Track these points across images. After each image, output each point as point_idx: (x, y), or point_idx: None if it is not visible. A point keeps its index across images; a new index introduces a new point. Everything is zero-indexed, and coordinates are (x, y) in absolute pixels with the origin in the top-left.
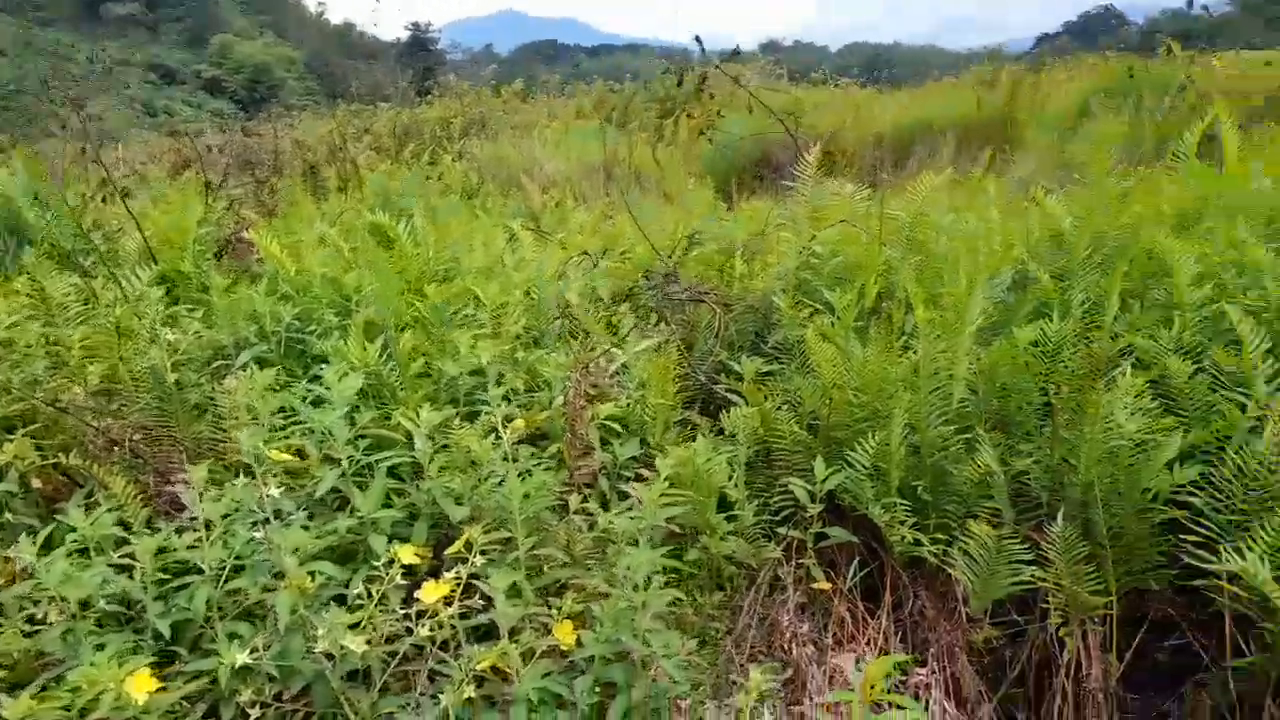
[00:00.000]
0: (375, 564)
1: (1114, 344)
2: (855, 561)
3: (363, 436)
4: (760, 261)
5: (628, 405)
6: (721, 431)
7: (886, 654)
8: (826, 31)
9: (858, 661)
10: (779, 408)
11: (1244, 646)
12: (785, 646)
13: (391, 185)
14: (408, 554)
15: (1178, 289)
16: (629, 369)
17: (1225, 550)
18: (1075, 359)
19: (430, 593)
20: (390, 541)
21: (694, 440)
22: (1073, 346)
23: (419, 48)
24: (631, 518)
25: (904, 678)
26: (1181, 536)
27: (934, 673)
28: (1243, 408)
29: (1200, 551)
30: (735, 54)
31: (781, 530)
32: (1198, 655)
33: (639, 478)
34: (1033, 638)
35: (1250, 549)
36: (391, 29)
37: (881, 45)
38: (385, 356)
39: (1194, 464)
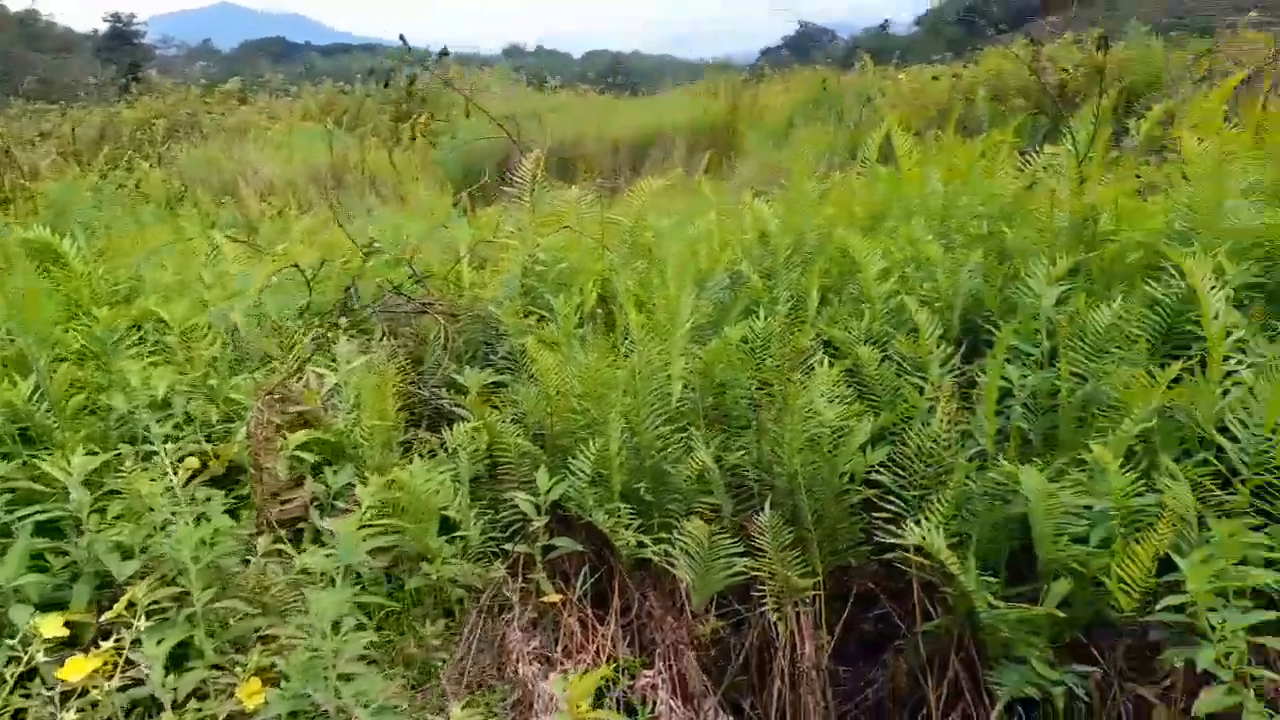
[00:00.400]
0: (12, 641)
1: (815, 337)
2: (585, 570)
3: (12, 490)
4: (491, 269)
5: (343, 429)
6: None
7: (615, 660)
8: (570, 38)
9: (565, 680)
10: (508, 420)
11: (932, 610)
12: (514, 667)
13: (75, 196)
14: (52, 625)
15: (866, 283)
16: (342, 389)
17: (909, 524)
18: (780, 353)
19: (74, 669)
20: (38, 611)
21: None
22: (779, 342)
23: (121, 41)
24: (327, 555)
25: (632, 681)
26: (874, 514)
27: (660, 673)
28: (921, 390)
29: (890, 526)
30: (444, 54)
31: (510, 547)
32: (897, 624)
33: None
34: (754, 625)
35: (928, 520)
36: (90, 19)
37: (622, 54)
38: (39, 394)
39: (884, 445)
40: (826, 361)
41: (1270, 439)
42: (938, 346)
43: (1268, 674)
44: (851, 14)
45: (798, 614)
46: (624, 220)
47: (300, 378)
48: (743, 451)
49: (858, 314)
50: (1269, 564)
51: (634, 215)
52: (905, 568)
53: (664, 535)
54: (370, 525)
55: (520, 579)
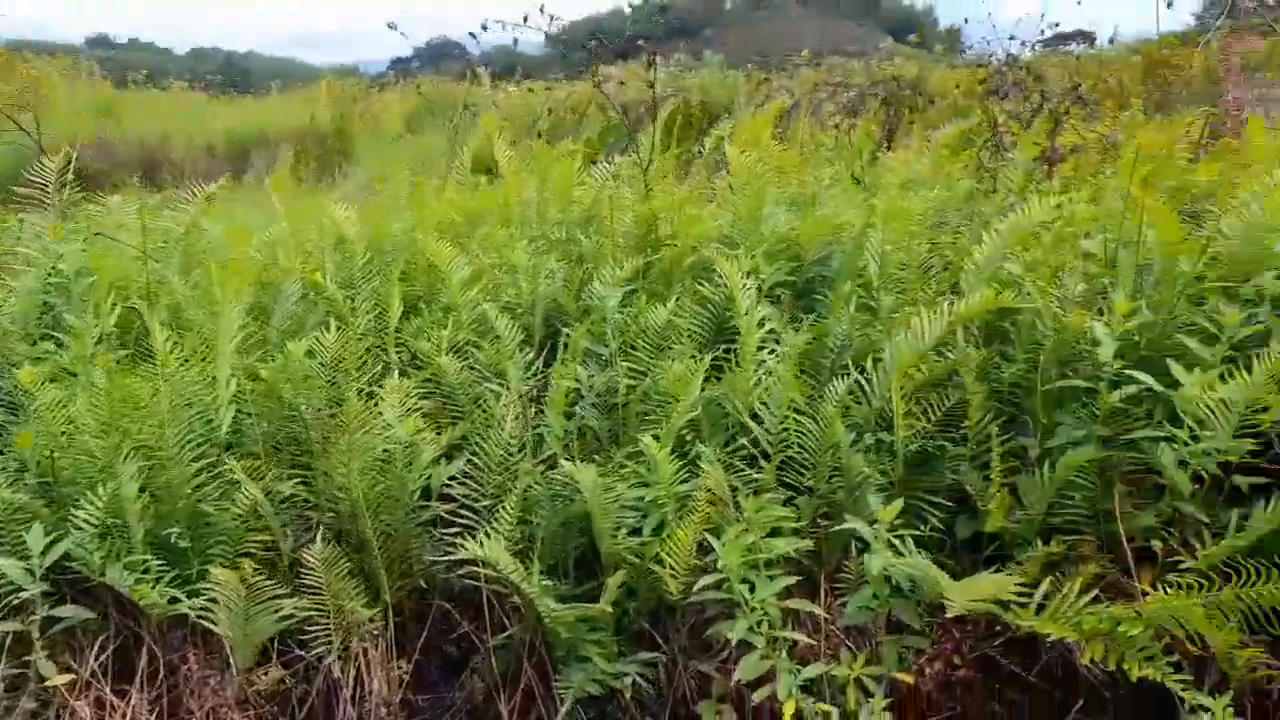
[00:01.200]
0: None
1: (399, 349)
2: (105, 639)
3: None
4: (2, 286)
5: None
6: None
7: None
8: (174, 33)
9: None
10: (9, 470)
11: (506, 621)
12: None
13: None
14: None
15: (452, 291)
16: None
17: (478, 537)
18: (356, 369)
19: None
20: None
21: None
22: (356, 356)
23: None
24: None
25: None
26: (448, 530)
27: None
28: (500, 397)
29: (463, 541)
30: None
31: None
32: (476, 642)
33: None
34: (323, 669)
35: (495, 529)
36: None
37: (236, 53)
38: None
39: (461, 456)
40: (397, 374)
41: (788, 417)
42: (520, 352)
43: (796, 636)
44: (488, 30)
45: (365, 649)
46: (176, 228)
47: None
48: (299, 480)
49: (444, 323)
50: (797, 533)
51: (188, 223)
52: (478, 582)
53: (207, 585)
54: None
55: (8, 663)
